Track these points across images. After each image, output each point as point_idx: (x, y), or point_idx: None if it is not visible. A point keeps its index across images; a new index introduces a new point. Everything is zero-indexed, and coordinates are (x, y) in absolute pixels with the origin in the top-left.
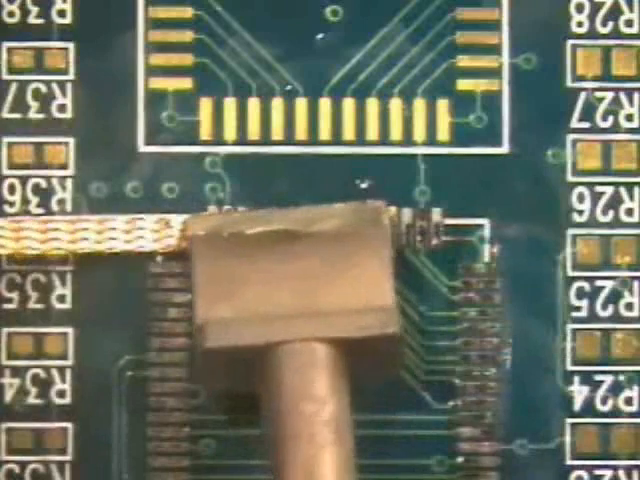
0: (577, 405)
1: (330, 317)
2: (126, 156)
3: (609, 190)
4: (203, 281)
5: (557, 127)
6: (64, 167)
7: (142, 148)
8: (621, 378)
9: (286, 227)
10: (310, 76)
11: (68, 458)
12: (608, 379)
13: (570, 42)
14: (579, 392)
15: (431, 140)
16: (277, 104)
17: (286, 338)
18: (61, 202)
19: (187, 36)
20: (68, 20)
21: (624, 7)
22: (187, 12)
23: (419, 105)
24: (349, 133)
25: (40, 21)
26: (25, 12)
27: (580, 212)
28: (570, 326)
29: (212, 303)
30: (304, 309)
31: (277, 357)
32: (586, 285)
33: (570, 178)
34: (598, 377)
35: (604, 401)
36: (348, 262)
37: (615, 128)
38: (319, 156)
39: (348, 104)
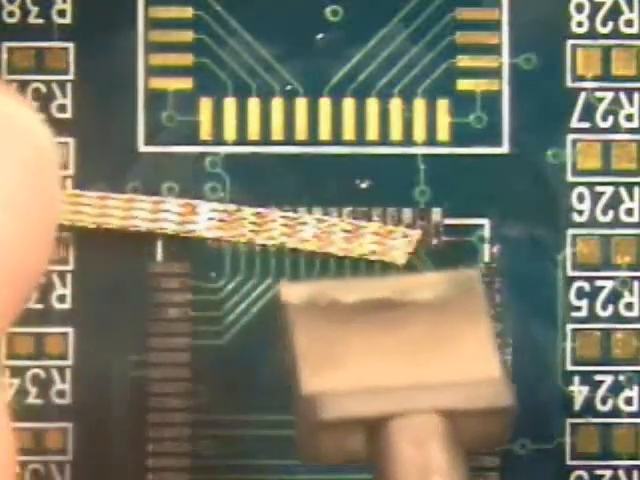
0: (577, 405)
1: (442, 388)
2: (126, 156)
3: (609, 190)
4: (305, 351)
5: (557, 127)
6: (64, 167)
7: (142, 148)
8: (621, 378)
9: (384, 296)
10: (310, 76)
11: (68, 458)
12: (608, 379)
13: (570, 42)
14: (579, 392)
15: (431, 140)
16: (277, 104)
17: (402, 409)
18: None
19: (187, 36)
20: (68, 20)
21: (624, 7)
22: (187, 12)
23: (419, 105)
24: (349, 133)
25: (40, 21)
26: (25, 12)
27: (580, 212)
28: (570, 326)
29: (318, 373)
30: (413, 380)
31: (393, 429)
32: (586, 285)
33: (570, 178)
34: (598, 377)
35: (604, 401)
36: (448, 332)
37: (615, 128)
38: (319, 156)
39: (348, 104)
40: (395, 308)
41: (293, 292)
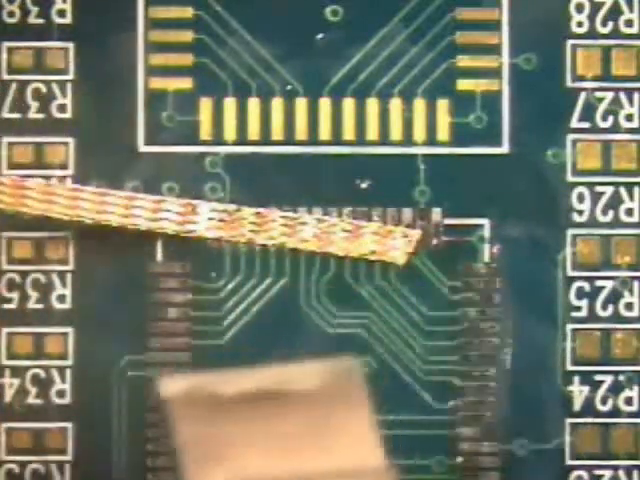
0: (577, 405)
1: (321, 478)
2: (126, 156)
3: (609, 190)
4: (188, 445)
5: (557, 127)
6: (64, 167)
7: (142, 148)
8: (621, 378)
9: (263, 387)
10: (310, 76)
11: (68, 458)
12: (608, 379)
13: (570, 42)
14: (579, 392)
15: (431, 140)
16: (277, 104)
17: None
18: None
19: (187, 36)
20: (68, 20)
21: (624, 7)
22: (187, 12)
23: (419, 105)
24: (349, 133)
25: (40, 21)
26: (25, 12)
27: (580, 212)
28: (570, 326)
29: (202, 468)
30: (296, 472)
31: None
32: (586, 285)
33: (570, 178)
34: (598, 377)
35: (604, 401)
36: (330, 422)
37: (615, 128)
38: (319, 156)
39: (348, 104)
40: (275, 399)
41: (172, 386)
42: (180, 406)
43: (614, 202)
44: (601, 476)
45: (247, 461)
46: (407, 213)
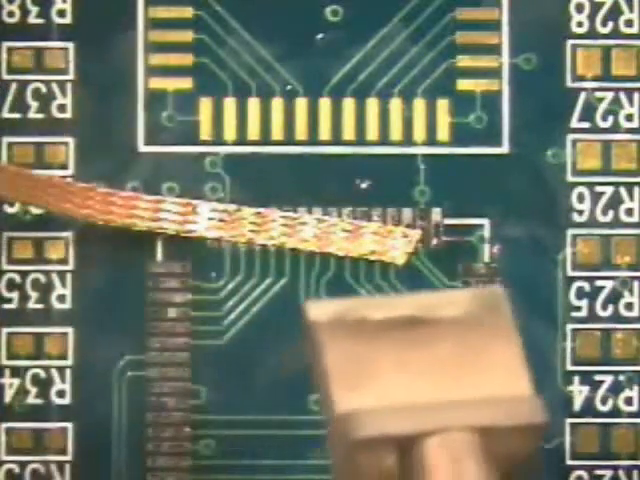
0: (577, 405)
1: (475, 405)
2: (126, 156)
3: (609, 190)
4: (335, 369)
5: (557, 127)
6: (64, 167)
7: (142, 148)
8: (621, 378)
9: (410, 313)
10: (310, 76)
11: (68, 458)
12: (608, 379)
13: (570, 42)
14: (579, 392)
15: (431, 140)
16: (277, 104)
17: (436, 427)
18: None
19: (187, 36)
20: (68, 20)
21: (624, 7)
22: (187, 12)
23: (419, 105)
24: (349, 133)
25: (40, 21)
26: (25, 12)
27: (580, 212)
28: (570, 326)
29: (350, 392)
30: (446, 397)
31: (428, 447)
32: (586, 285)
33: (570, 178)
34: (598, 377)
35: (604, 401)
36: (477, 349)
37: (615, 128)
38: (319, 156)
39: (348, 104)
40: (422, 325)
41: (320, 310)
42: (327, 330)
43: (614, 202)
44: (601, 476)
45: (395, 386)
46: (407, 213)
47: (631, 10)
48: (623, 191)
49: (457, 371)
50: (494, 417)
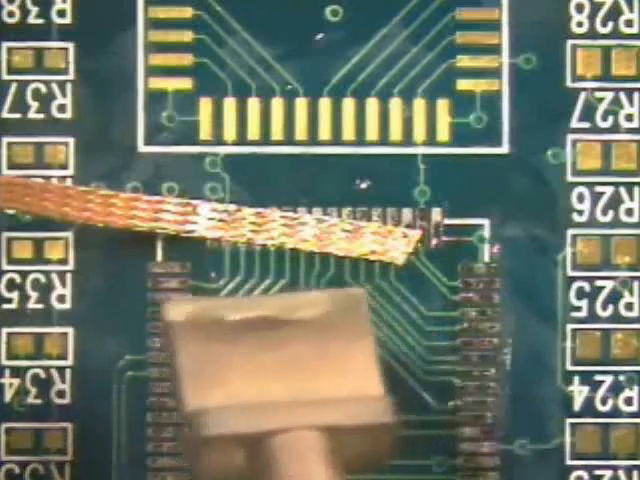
0: (577, 405)
1: (323, 405)
2: (126, 156)
3: (609, 190)
4: (188, 368)
5: (557, 127)
6: (64, 167)
7: (142, 148)
8: (621, 378)
9: (268, 314)
10: (310, 76)
11: (68, 458)
12: (608, 379)
13: (570, 42)
14: (579, 392)
15: (431, 140)
16: (277, 104)
17: (283, 426)
18: None
19: (187, 36)
20: (68, 20)
21: (624, 7)
22: (187, 12)
23: (419, 105)
24: (349, 133)
25: (40, 21)
26: (25, 12)
27: (580, 212)
28: (570, 326)
29: (201, 391)
30: (295, 397)
31: (274, 445)
32: (586, 285)
33: (570, 178)
34: (598, 377)
35: (604, 401)
36: (332, 350)
37: (615, 128)
38: (319, 156)
39: (348, 104)
40: (279, 326)
41: (177, 310)
42: (183, 330)
43: (614, 202)
44: (601, 476)
45: (247, 386)
46: (407, 213)
47: (631, 10)
48: (623, 191)
49: (310, 372)
50: (340, 417)
